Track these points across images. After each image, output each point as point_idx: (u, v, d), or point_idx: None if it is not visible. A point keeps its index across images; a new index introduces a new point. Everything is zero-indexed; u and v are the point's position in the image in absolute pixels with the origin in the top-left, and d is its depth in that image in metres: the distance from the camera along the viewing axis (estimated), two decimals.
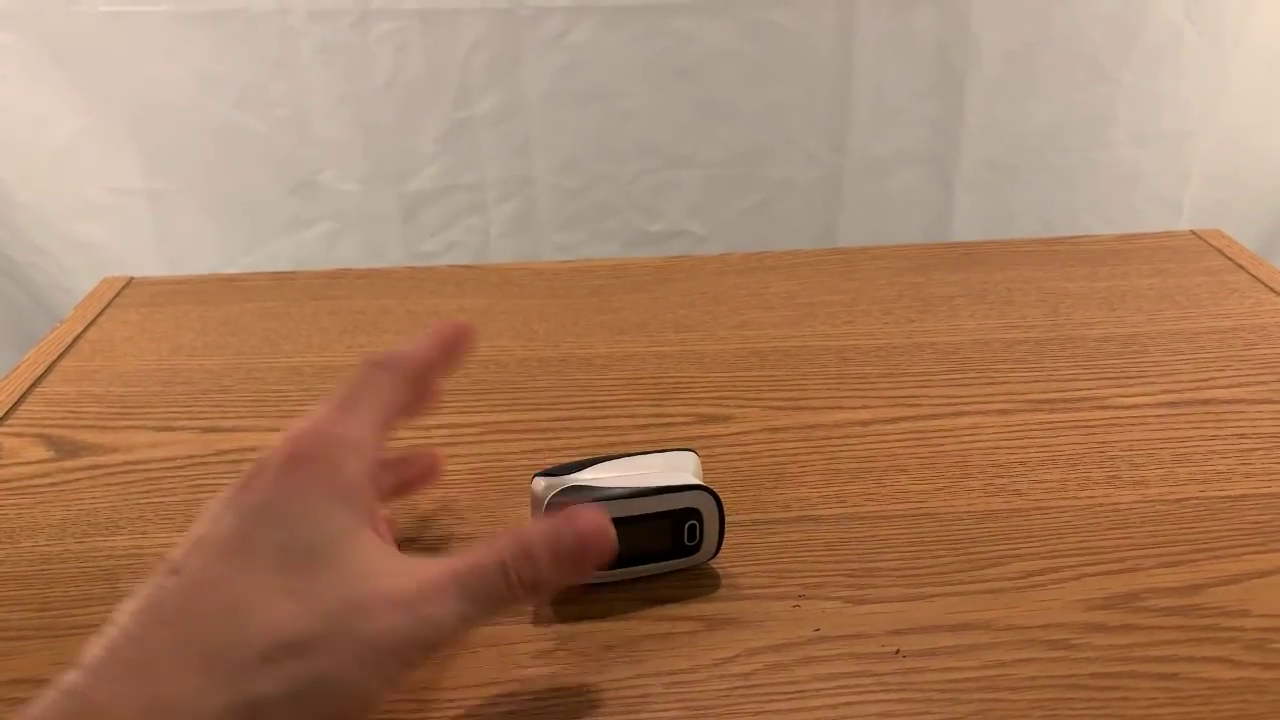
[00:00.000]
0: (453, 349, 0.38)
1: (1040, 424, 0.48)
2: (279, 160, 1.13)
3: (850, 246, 0.69)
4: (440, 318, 0.60)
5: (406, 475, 0.40)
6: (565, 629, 0.37)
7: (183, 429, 0.50)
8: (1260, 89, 1.18)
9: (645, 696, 0.34)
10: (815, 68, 1.12)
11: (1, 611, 0.38)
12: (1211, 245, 0.67)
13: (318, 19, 1.05)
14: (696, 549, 0.38)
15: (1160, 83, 1.16)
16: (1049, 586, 0.38)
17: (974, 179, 1.20)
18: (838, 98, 1.14)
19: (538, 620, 0.37)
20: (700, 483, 0.38)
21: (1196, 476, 0.44)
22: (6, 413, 0.51)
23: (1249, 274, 0.62)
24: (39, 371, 0.55)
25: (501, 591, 0.30)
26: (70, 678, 0.25)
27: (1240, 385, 0.51)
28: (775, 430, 0.48)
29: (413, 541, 0.42)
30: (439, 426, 0.49)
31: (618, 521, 0.36)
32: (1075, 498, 0.42)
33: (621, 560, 0.37)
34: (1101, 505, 0.42)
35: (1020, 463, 0.45)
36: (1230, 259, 0.65)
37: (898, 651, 0.35)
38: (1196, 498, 0.42)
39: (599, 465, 0.38)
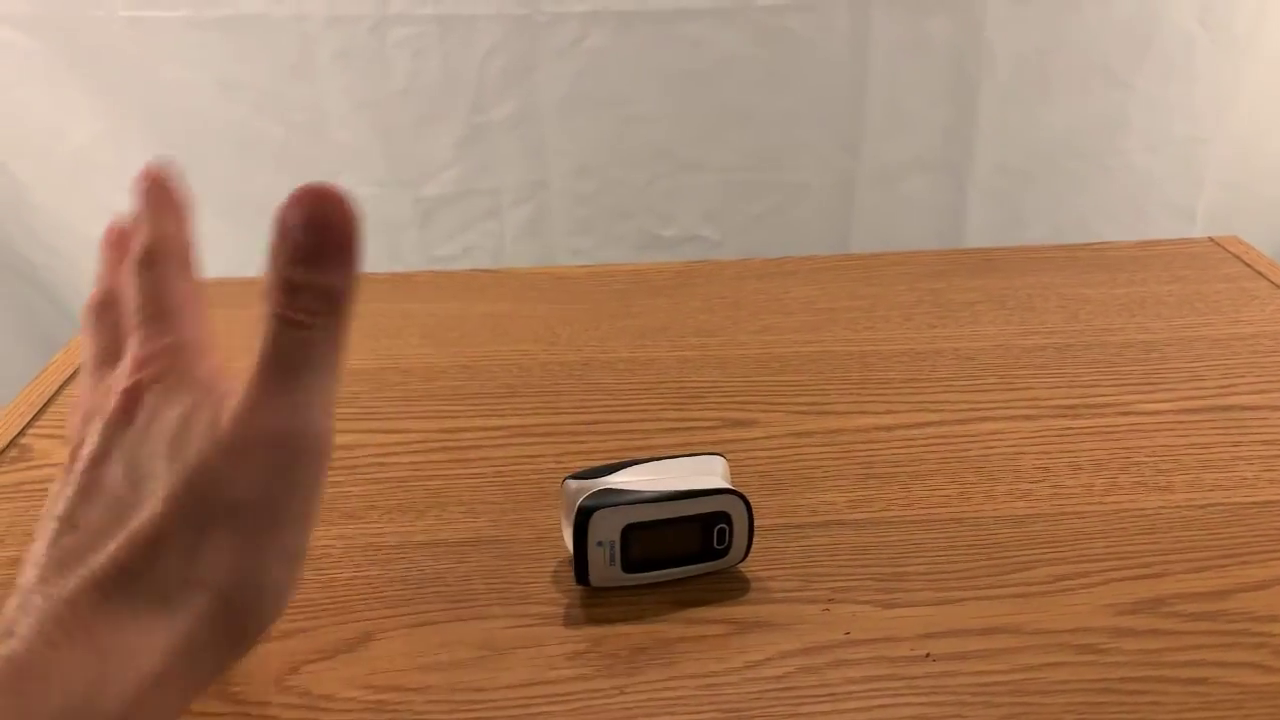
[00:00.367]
0: (179, 210, 0.34)
1: (1064, 429, 0.48)
2: (296, 164, 1.13)
3: (869, 252, 0.69)
4: (463, 322, 0.60)
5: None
6: (596, 631, 0.37)
7: None
8: (1273, 95, 1.18)
9: (678, 699, 0.34)
10: (829, 74, 1.12)
11: None
12: (1230, 252, 0.67)
13: (335, 24, 1.05)
14: (726, 552, 0.38)
15: (1173, 89, 1.16)
16: (1077, 591, 0.38)
17: (987, 185, 1.21)
18: (851, 103, 1.14)
19: (569, 622, 0.37)
20: (730, 486, 0.38)
21: (1222, 483, 0.44)
22: (36, 414, 0.52)
23: (1268, 281, 0.63)
24: (67, 373, 0.56)
25: (299, 341, 0.28)
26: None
27: (1263, 392, 0.51)
28: (800, 435, 0.48)
29: (438, 545, 0.42)
30: (464, 430, 0.50)
31: (649, 525, 0.37)
32: (1101, 503, 0.43)
33: (651, 563, 0.37)
34: (1128, 510, 0.42)
35: (1045, 468, 0.45)
36: (1249, 265, 0.65)
37: (928, 655, 0.35)
38: (1223, 503, 0.42)
39: (629, 469, 0.39)
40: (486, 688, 0.34)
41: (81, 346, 0.34)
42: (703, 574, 0.39)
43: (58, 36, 1.06)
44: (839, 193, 1.20)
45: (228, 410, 0.28)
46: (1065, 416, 0.49)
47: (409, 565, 0.40)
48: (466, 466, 0.47)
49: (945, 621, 0.37)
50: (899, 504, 0.43)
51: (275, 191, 1.01)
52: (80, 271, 1.21)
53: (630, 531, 0.36)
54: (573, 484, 0.38)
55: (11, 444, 0.49)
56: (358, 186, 1.15)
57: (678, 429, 0.50)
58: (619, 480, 0.38)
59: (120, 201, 1.21)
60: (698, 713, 0.33)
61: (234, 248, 1.18)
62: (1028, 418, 0.49)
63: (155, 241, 0.32)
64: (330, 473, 0.46)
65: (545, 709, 0.34)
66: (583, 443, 0.49)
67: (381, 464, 0.47)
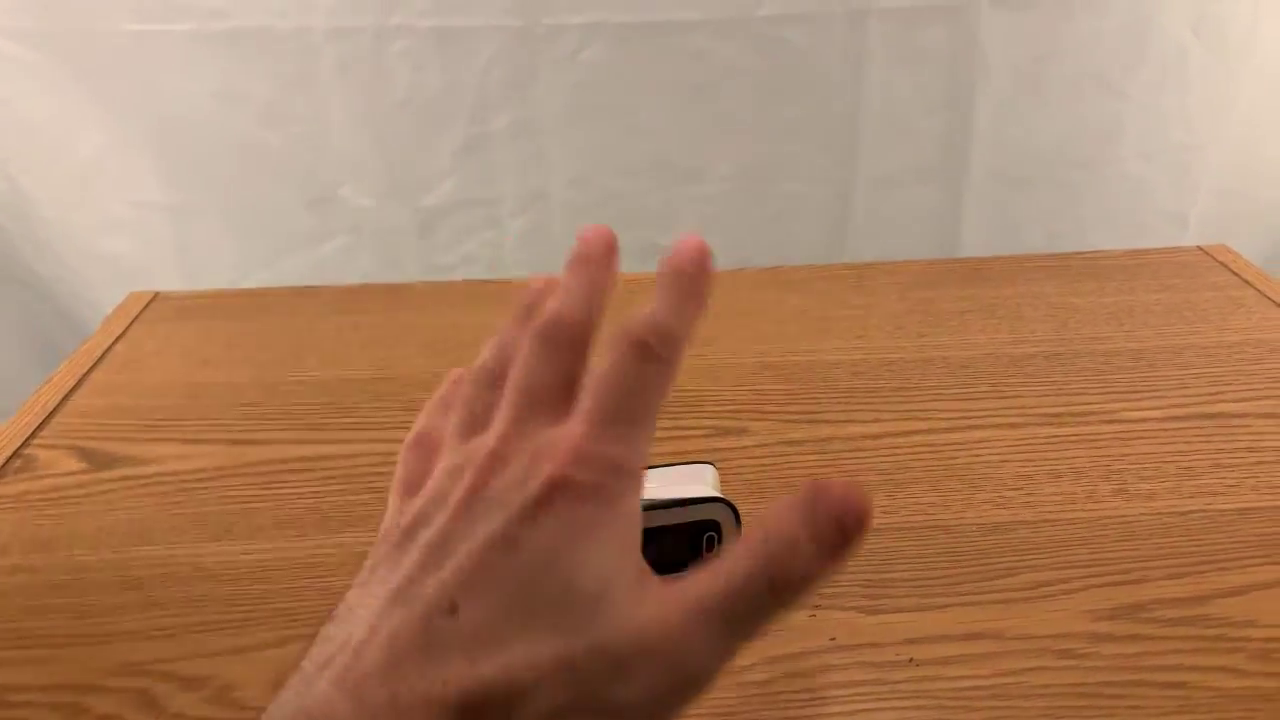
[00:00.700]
0: (700, 298, 0.29)
1: (1049, 437, 0.49)
2: (297, 175, 1.14)
3: (861, 262, 0.70)
4: (460, 332, 0.61)
5: None
6: None
7: (211, 441, 0.51)
8: (1267, 103, 1.19)
9: None
10: (825, 84, 1.13)
11: (41, 619, 0.39)
12: (1218, 261, 0.68)
13: (336, 37, 1.06)
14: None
15: (1167, 98, 1.17)
16: (1058, 597, 0.39)
17: (983, 194, 1.21)
18: (848, 114, 1.15)
19: None
20: (720, 495, 0.39)
21: (1204, 490, 0.45)
22: (40, 425, 0.53)
23: (1255, 290, 0.63)
24: (70, 385, 0.57)
25: (770, 607, 0.25)
26: (334, 698, 0.24)
27: (1247, 400, 0.52)
28: (791, 443, 0.49)
29: None
30: None
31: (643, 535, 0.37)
32: (1084, 510, 0.43)
33: None
34: (1110, 518, 0.43)
35: (1029, 476, 0.46)
36: (1236, 274, 0.66)
37: (910, 660, 0.36)
38: (1203, 510, 0.43)
39: None
40: None
41: (434, 407, 0.32)
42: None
43: (63, 50, 1.07)
44: (836, 202, 1.21)
45: (656, 591, 0.25)
46: (1051, 424, 0.50)
47: None
48: None
49: (928, 627, 0.37)
50: (885, 511, 0.44)
51: (276, 202, 1.03)
52: (86, 283, 1.22)
53: None
54: None
55: (15, 454, 0.50)
56: (357, 197, 1.16)
57: (670, 437, 0.50)
58: None
59: (125, 213, 1.22)
60: (683, 717, 0.34)
61: (236, 256, 1.20)
62: (1014, 426, 0.50)
63: (663, 330, 0.28)
64: (329, 481, 0.48)
65: None
66: None
67: (380, 473, 0.48)
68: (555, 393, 0.28)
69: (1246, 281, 0.64)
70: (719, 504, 0.38)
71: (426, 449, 0.30)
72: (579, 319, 0.29)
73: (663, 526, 0.38)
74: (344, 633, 0.26)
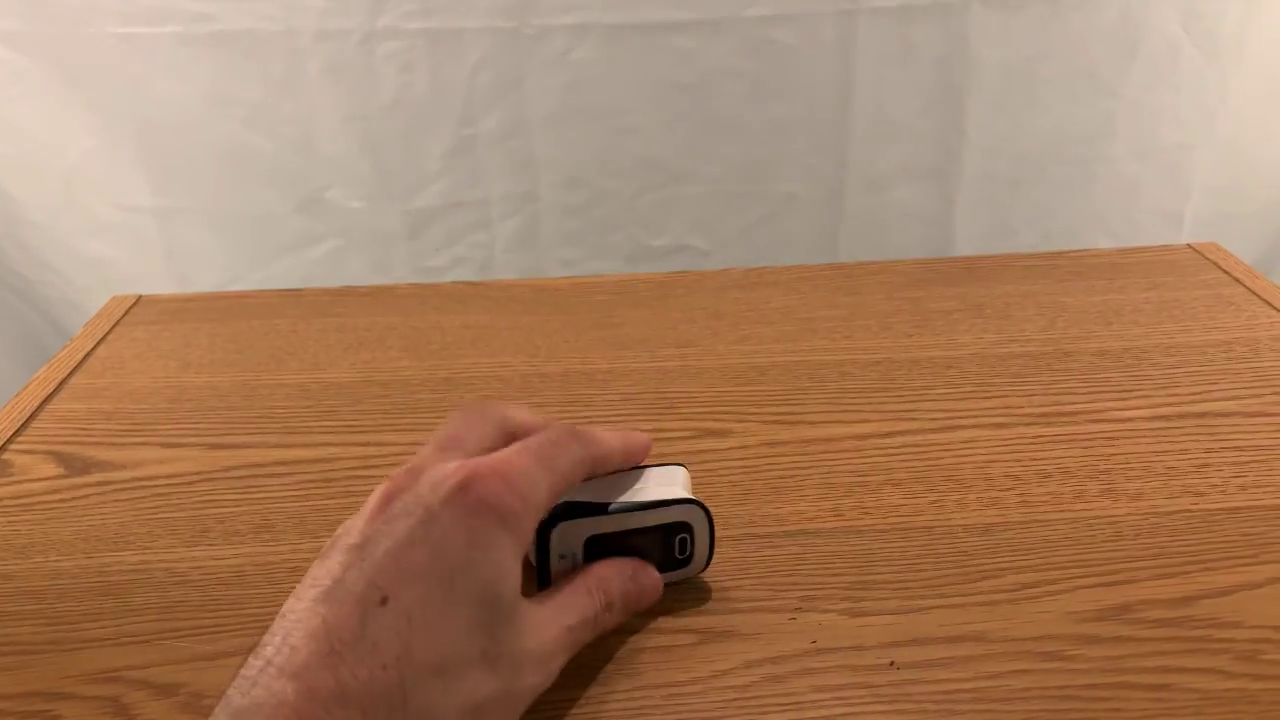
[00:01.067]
0: (631, 460, 0.39)
1: (1036, 437, 0.48)
2: (286, 178, 1.14)
3: (849, 262, 0.70)
4: (444, 334, 0.61)
5: None
6: None
7: (190, 445, 0.51)
8: (1259, 101, 1.19)
9: (643, 709, 0.34)
10: (816, 84, 1.13)
11: (14, 625, 0.39)
12: (1208, 259, 0.67)
13: (324, 39, 1.06)
14: (687, 562, 0.39)
15: (1159, 96, 1.17)
16: (1043, 599, 0.38)
17: (974, 193, 1.21)
18: (838, 113, 1.15)
19: None
20: (690, 497, 0.38)
21: (1191, 489, 0.44)
22: (18, 430, 0.52)
23: (1245, 288, 0.63)
24: (49, 389, 0.56)
25: (589, 638, 0.35)
26: (285, 689, 0.25)
27: (1236, 399, 0.51)
28: (774, 444, 0.49)
29: None
30: None
31: (610, 537, 0.37)
32: (1070, 510, 0.43)
33: None
34: (1096, 518, 0.42)
35: (1015, 476, 0.46)
36: (1226, 273, 0.65)
37: (892, 663, 0.35)
38: (1190, 510, 0.43)
39: (590, 480, 0.39)
40: None
41: (445, 423, 0.36)
42: (665, 584, 0.39)
43: (49, 54, 1.07)
44: (828, 202, 1.21)
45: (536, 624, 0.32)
46: (1038, 424, 0.50)
47: None
48: None
49: (911, 630, 0.37)
50: (870, 513, 0.43)
51: (265, 205, 1.03)
52: (73, 287, 1.21)
53: (592, 543, 0.37)
54: None
55: None
56: (346, 199, 1.16)
57: (654, 439, 0.50)
58: (580, 492, 0.38)
59: (113, 217, 1.22)
60: None
61: (225, 259, 1.19)
62: (1001, 425, 0.50)
63: (596, 435, 0.36)
64: (307, 485, 0.47)
65: None
66: None
67: (360, 476, 0.48)
68: (470, 443, 0.34)
69: (1236, 279, 0.64)
70: (690, 505, 0.38)
71: None
72: (599, 443, 0.37)
73: (636, 529, 0.37)
74: (280, 634, 0.27)
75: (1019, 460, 0.47)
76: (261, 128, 1.11)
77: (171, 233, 1.17)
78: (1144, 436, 0.48)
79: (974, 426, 0.50)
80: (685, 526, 0.38)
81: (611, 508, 0.37)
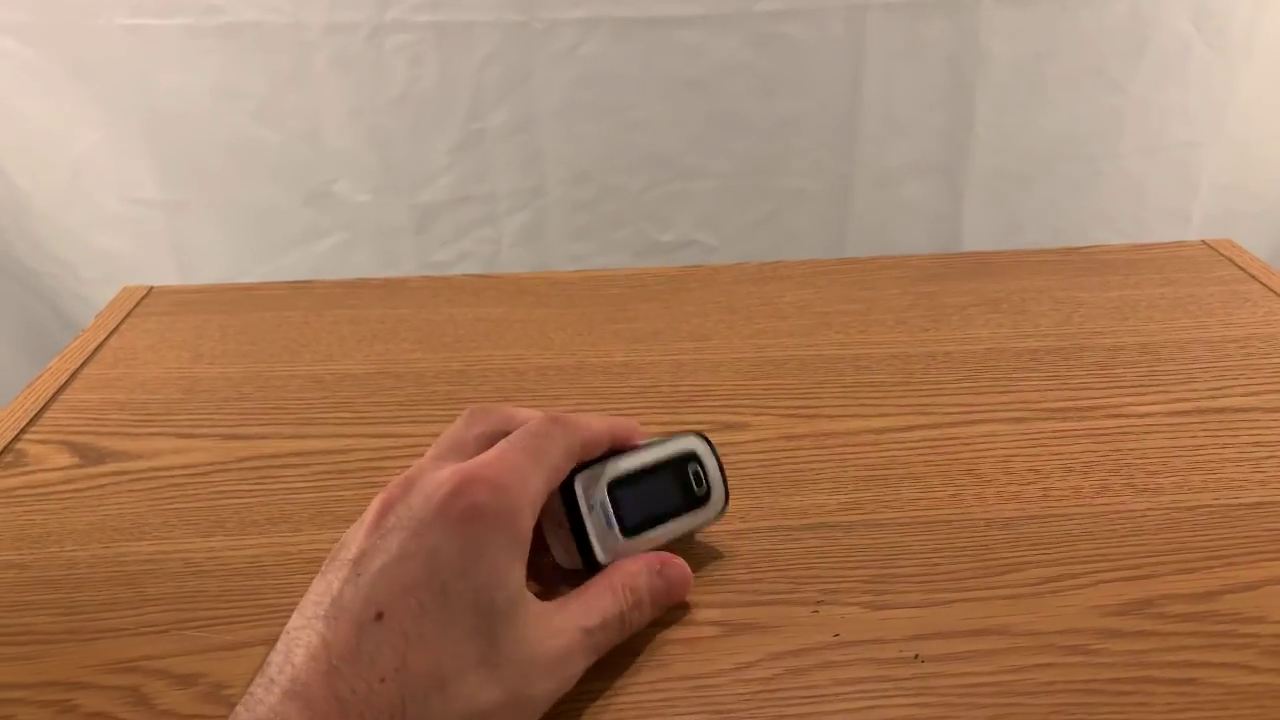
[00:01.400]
0: (617, 439, 0.38)
1: (1055, 432, 0.48)
2: (293, 171, 1.14)
3: (863, 257, 0.70)
4: (457, 327, 0.61)
5: None
6: None
7: (204, 436, 0.51)
8: (1268, 99, 1.19)
9: (668, 701, 0.34)
10: (825, 79, 1.13)
11: (31, 615, 0.39)
12: (1223, 255, 0.67)
13: (332, 32, 1.06)
14: (707, 497, 0.39)
15: (1168, 93, 1.17)
16: (1065, 593, 0.38)
17: (983, 189, 1.21)
18: (847, 109, 1.15)
19: None
20: (690, 430, 0.40)
21: (1211, 484, 0.44)
22: (32, 420, 0.52)
23: (1261, 284, 0.63)
24: (62, 379, 0.56)
25: (616, 638, 0.34)
26: (288, 707, 0.26)
27: (1254, 394, 0.51)
28: (792, 438, 0.49)
29: None
30: None
31: (631, 476, 0.38)
32: (1091, 505, 0.43)
33: (645, 521, 0.38)
34: (1117, 512, 0.42)
35: (1035, 470, 0.45)
36: (1242, 269, 0.65)
37: (916, 657, 0.35)
38: (1211, 505, 0.43)
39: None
40: None
41: (449, 428, 0.37)
42: (694, 531, 0.39)
43: (57, 45, 1.06)
44: (836, 198, 1.21)
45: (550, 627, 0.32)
46: (1056, 419, 0.49)
47: None
48: None
49: (934, 623, 0.37)
50: (889, 506, 0.43)
51: (272, 198, 1.02)
52: (80, 280, 1.21)
53: (616, 488, 0.37)
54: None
55: (6, 449, 0.50)
56: (354, 193, 1.16)
57: (671, 433, 0.50)
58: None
59: (119, 209, 1.22)
60: (687, 715, 0.33)
61: (232, 252, 1.19)
62: (1019, 420, 0.49)
63: (577, 419, 0.36)
64: (324, 476, 0.47)
65: None
66: None
67: (376, 467, 0.48)
68: (469, 445, 0.35)
69: (1252, 276, 0.64)
70: (691, 436, 0.40)
71: None
72: (581, 427, 0.36)
73: (650, 465, 0.38)
74: (283, 653, 0.28)
75: (1038, 455, 0.47)
76: (269, 120, 1.11)
77: (178, 225, 1.17)
78: (1162, 431, 0.48)
79: (992, 421, 0.49)
80: (693, 456, 0.39)
81: (623, 455, 0.38)
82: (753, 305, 0.63)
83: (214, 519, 0.44)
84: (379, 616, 0.28)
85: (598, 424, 0.37)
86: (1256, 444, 0.47)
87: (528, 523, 0.32)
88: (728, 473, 0.40)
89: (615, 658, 0.36)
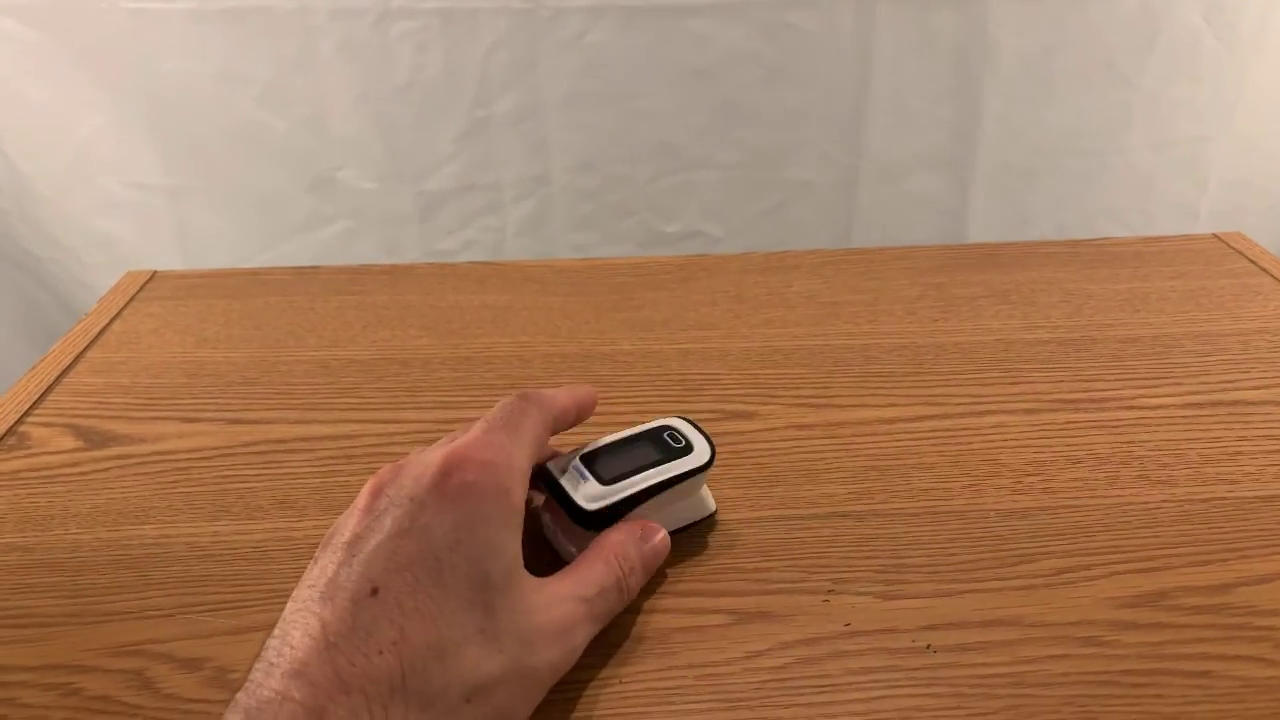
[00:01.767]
0: (582, 410, 0.40)
1: (1066, 423, 0.48)
2: (298, 158, 1.13)
3: (871, 247, 0.69)
4: (463, 314, 0.60)
5: None
6: None
7: (210, 420, 0.50)
8: (1278, 95, 1.18)
9: (677, 688, 0.34)
10: (833, 70, 1.12)
11: (35, 598, 0.38)
12: (1233, 248, 0.67)
13: (338, 17, 1.05)
14: (689, 449, 0.39)
15: (1177, 88, 1.16)
16: (1079, 584, 0.38)
17: (990, 183, 1.20)
18: (855, 101, 1.14)
19: None
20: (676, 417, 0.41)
21: (1225, 477, 0.44)
22: (35, 403, 0.52)
23: (1272, 277, 0.62)
24: (66, 362, 0.55)
25: (616, 606, 0.35)
26: (289, 686, 0.26)
27: (1266, 387, 0.51)
28: (801, 427, 0.48)
29: None
30: (463, 421, 0.49)
31: (597, 452, 0.39)
32: (1104, 496, 0.42)
33: (619, 477, 0.38)
34: (1130, 504, 0.42)
35: (1047, 461, 0.45)
36: (1253, 262, 0.65)
37: (928, 647, 0.35)
38: (1225, 498, 0.42)
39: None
40: None
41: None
42: (679, 478, 0.38)
43: (61, 29, 1.06)
44: (842, 190, 1.20)
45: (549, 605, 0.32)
46: (1067, 410, 0.49)
47: None
48: None
49: (946, 613, 0.36)
50: (900, 496, 0.43)
51: (277, 185, 1.01)
52: (83, 265, 1.21)
53: (588, 458, 0.39)
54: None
55: (9, 432, 0.49)
56: (358, 180, 1.15)
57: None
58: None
59: (122, 194, 1.21)
60: (696, 703, 0.33)
61: (236, 239, 1.19)
62: (1030, 411, 0.49)
63: (544, 393, 0.37)
64: (329, 461, 0.47)
65: (545, 699, 0.33)
66: (583, 434, 0.48)
67: (382, 453, 0.47)
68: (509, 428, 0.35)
69: (1263, 269, 0.63)
70: (671, 417, 0.41)
71: None
72: (550, 400, 0.37)
73: (624, 439, 0.40)
74: (280, 637, 0.28)
75: (1050, 446, 0.46)
76: (274, 107, 1.10)
77: (181, 211, 1.16)
78: (1175, 424, 0.48)
79: (1003, 412, 0.49)
80: (666, 426, 0.40)
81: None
82: (760, 295, 0.62)
83: (219, 503, 0.44)
84: (374, 592, 0.28)
85: (563, 396, 0.38)
86: (1269, 437, 0.46)
87: (518, 495, 0.33)
88: (738, 461, 0.40)
89: (623, 645, 0.35)
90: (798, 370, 0.53)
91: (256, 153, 1.12)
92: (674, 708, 0.33)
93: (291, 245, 1.18)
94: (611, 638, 0.36)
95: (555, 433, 0.38)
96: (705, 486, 0.41)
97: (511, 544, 0.31)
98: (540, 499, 0.40)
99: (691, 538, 0.40)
